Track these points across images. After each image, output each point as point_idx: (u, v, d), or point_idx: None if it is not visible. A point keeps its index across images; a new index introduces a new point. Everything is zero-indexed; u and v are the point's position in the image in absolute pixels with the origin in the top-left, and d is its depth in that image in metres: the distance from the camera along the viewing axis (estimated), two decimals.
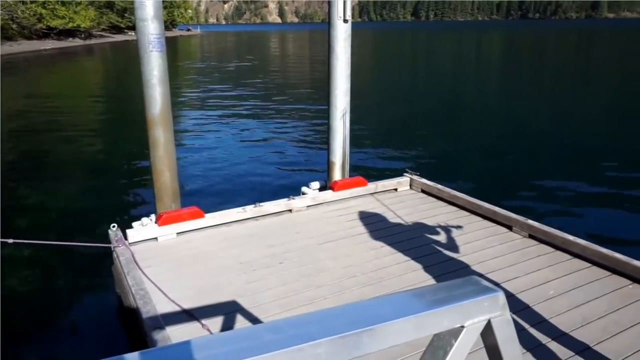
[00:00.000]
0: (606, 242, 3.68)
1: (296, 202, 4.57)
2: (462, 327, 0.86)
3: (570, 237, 3.69)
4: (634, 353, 2.60)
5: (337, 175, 4.98)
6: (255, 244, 3.91)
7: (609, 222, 5.89)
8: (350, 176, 5.07)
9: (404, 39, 69.85)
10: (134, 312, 3.07)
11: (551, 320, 2.88)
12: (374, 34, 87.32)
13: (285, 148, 9.58)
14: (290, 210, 4.55)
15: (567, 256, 3.63)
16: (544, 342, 2.69)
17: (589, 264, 3.51)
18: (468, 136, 10.70)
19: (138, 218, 4.08)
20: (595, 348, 2.65)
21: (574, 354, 2.60)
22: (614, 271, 3.38)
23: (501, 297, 0.89)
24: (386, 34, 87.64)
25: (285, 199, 4.58)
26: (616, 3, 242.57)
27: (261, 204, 4.45)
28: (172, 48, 47.38)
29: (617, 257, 3.39)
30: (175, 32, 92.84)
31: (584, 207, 6.37)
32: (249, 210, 4.38)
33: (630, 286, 3.24)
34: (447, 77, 23.56)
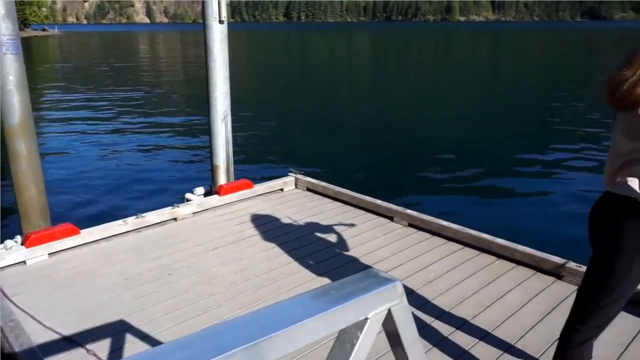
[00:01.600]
0: (475, 224, 4.07)
1: (181, 210, 4.42)
2: (366, 319, 0.90)
3: (445, 223, 4.02)
4: (505, 321, 2.91)
5: (222, 179, 4.90)
6: (140, 257, 3.71)
7: (476, 206, 6.52)
8: (235, 179, 5.02)
9: (278, 39, 70.59)
10: (4, 347, 2.75)
11: (433, 302, 3.12)
12: (248, 35, 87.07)
13: (165, 155, 9.19)
14: (175, 219, 4.38)
15: (443, 240, 3.95)
16: (428, 323, 2.90)
17: (461, 246, 3.86)
18: (348, 133, 11.13)
19: (0, 241, 3.66)
20: (472, 321, 2.92)
21: (454, 329, 2.84)
22: (482, 250, 3.75)
23: (399, 286, 0.95)
24: (260, 35, 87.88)
25: (169, 208, 4.41)
26: (466, 7, 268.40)
27: (143, 214, 4.23)
28: (26, 50, 42.96)
29: (484, 237, 3.76)
30: (29, 32, 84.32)
31: (454, 194, 6.98)
32: (130, 222, 4.14)
33: (497, 262, 3.62)
34: (322, 76, 24.27)
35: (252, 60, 36.06)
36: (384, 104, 15.50)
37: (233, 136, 5.09)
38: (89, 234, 3.92)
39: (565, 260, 3.38)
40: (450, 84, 21.30)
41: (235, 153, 5.19)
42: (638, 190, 1.81)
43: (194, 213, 4.50)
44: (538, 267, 3.48)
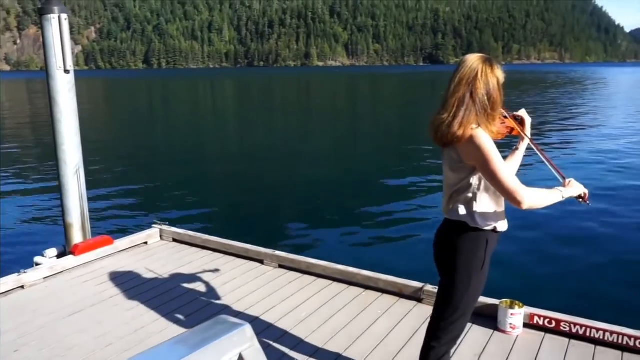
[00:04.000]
0: (342, 259, 4.23)
1: (29, 276, 3.97)
2: None
3: (313, 261, 4.12)
4: (374, 349, 3.04)
5: (77, 237, 4.52)
6: None
7: (342, 241, 6.77)
8: (93, 236, 4.67)
9: (138, 87, 68.09)
10: None
11: (307, 340, 3.15)
12: (105, 83, 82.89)
13: (8, 216, 8.23)
14: (22, 287, 3.92)
15: (313, 278, 4.04)
16: None
17: (330, 281, 3.98)
18: (213, 180, 10.97)
19: None
20: (345, 354, 3.01)
21: None
22: (350, 283, 3.91)
23: (248, 329, 0.97)
24: (118, 83, 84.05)
25: (14, 275, 3.94)
26: (323, 53, 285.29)
27: None
28: None
29: (351, 270, 3.93)
30: None
31: (321, 231, 7.18)
32: None
33: (364, 293, 3.79)
34: (185, 124, 23.77)
35: (108, 109, 34.25)
36: (248, 149, 15.62)
37: (88, 190, 4.76)
38: None
39: (423, 284, 3.65)
40: (311, 125, 22.25)
41: (91, 209, 4.86)
42: (465, 215, 2.06)
43: (45, 278, 4.08)
44: (400, 293, 3.71)
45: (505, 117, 2.26)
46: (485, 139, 1.95)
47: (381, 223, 7.56)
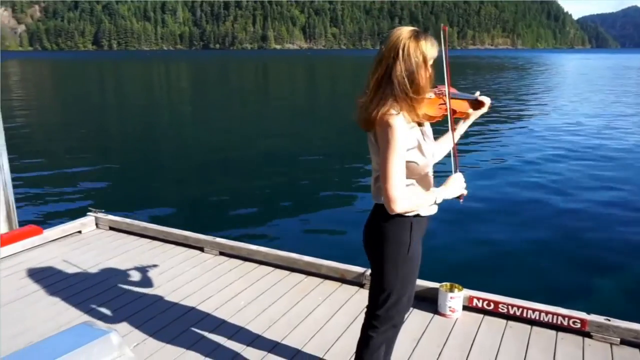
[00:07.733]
0: (284, 245, 4.12)
1: None
2: None
3: (254, 247, 4.00)
4: (314, 336, 2.97)
5: (1, 228, 4.23)
6: None
7: (285, 227, 6.58)
8: (20, 226, 4.38)
9: (87, 69, 65.24)
10: None
11: (243, 330, 3.04)
12: (51, 64, 79.08)
13: None
14: None
15: (254, 265, 3.93)
16: (239, 352, 2.82)
17: (272, 268, 3.87)
18: (155, 166, 10.47)
19: None
20: (284, 342, 2.93)
21: (266, 353, 2.81)
22: (291, 269, 3.82)
23: (114, 337, 0.85)
24: (65, 64, 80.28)
25: None
26: (280, 36, 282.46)
27: None
28: None
29: (292, 256, 3.84)
30: None
31: (263, 218, 6.97)
32: None
33: (306, 279, 3.70)
34: (133, 107, 22.85)
35: (51, 91, 32.63)
36: (196, 134, 14.98)
37: (17, 177, 4.46)
38: None
39: (365, 269, 3.59)
40: (265, 110, 21.89)
41: (19, 196, 4.56)
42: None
43: None
44: (343, 278, 3.65)
45: (444, 96, 2.03)
46: (396, 131, 1.77)
47: (324, 208, 7.41)
